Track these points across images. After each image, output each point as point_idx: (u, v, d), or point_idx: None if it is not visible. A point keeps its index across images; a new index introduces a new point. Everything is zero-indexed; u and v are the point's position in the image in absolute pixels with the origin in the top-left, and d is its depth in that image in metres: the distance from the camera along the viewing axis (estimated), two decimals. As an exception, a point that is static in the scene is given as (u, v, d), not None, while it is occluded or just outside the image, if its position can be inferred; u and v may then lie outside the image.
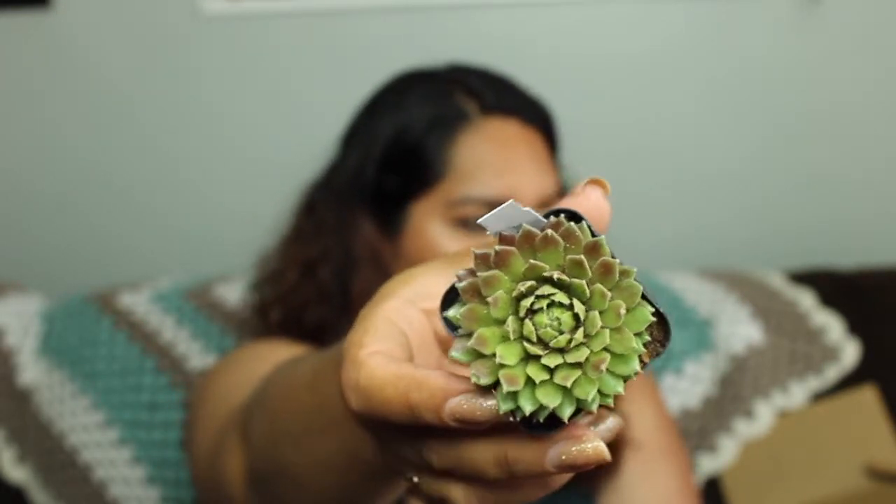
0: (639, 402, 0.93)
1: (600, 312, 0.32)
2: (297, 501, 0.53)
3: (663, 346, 0.34)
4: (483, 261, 0.33)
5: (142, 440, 1.09)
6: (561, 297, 0.33)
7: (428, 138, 0.87)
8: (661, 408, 0.96)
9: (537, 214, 0.34)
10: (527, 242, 0.33)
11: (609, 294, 0.32)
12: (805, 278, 1.20)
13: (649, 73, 1.32)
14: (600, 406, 0.32)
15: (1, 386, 1.13)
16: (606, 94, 1.34)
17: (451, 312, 0.34)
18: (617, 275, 0.33)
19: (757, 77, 1.33)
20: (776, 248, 1.39)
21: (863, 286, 1.20)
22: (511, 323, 0.33)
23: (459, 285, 0.34)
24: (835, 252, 1.37)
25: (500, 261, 0.33)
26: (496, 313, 0.33)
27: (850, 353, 1.14)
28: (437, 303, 0.36)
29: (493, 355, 0.32)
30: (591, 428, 0.34)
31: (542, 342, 0.32)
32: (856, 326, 1.16)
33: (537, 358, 0.32)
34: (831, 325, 1.16)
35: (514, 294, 0.33)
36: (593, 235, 0.33)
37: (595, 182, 0.36)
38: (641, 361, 0.33)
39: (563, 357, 0.32)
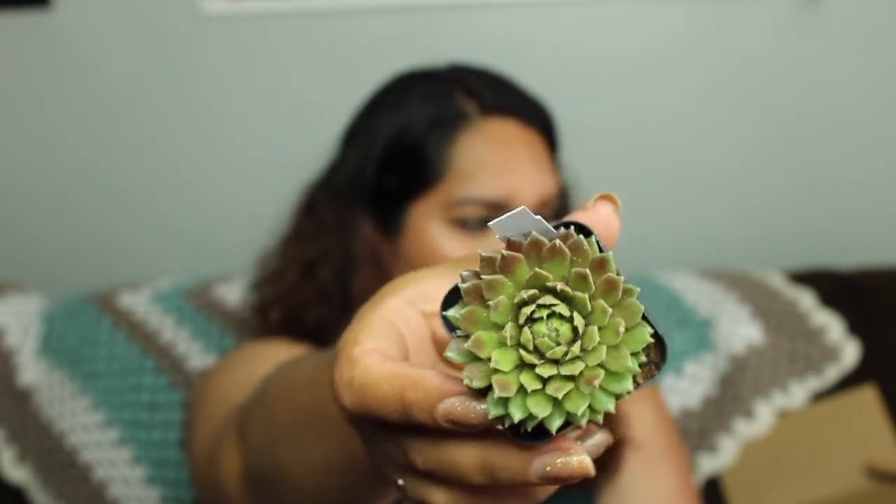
0: (639, 402, 0.93)
1: (599, 328, 0.32)
2: (294, 502, 0.53)
3: (658, 368, 0.34)
4: (489, 264, 0.33)
5: (142, 440, 1.09)
6: (562, 308, 0.33)
7: (427, 138, 0.87)
8: (661, 408, 0.96)
9: (548, 224, 0.34)
10: (534, 251, 0.33)
11: (610, 311, 0.32)
12: (805, 278, 1.20)
13: (649, 73, 1.32)
14: (589, 421, 0.32)
15: (1, 386, 1.13)
16: (606, 94, 1.33)
17: (451, 312, 0.34)
18: (620, 293, 0.33)
19: (757, 77, 1.33)
20: (776, 248, 1.39)
21: (863, 286, 1.20)
22: (509, 329, 0.33)
23: (462, 286, 0.34)
24: (835, 252, 1.37)
25: (505, 266, 0.33)
26: (496, 318, 0.33)
27: (850, 353, 1.14)
28: (437, 306, 0.36)
29: (489, 359, 0.32)
30: (579, 443, 0.34)
31: (538, 351, 0.32)
32: (856, 326, 1.16)
33: (532, 367, 0.32)
34: (831, 325, 1.16)
35: (516, 301, 0.33)
36: (601, 251, 0.33)
37: (606, 197, 0.36)
38: (635, 382, 0.33)
39: (558, 369, 0.32)
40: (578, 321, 0.32)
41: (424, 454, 0.34)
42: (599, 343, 0.32)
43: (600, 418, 0.32)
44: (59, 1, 1.29)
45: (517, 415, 0.32)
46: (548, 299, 0.33)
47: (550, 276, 0.33)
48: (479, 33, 1.30)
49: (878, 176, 1.38)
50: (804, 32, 1.31)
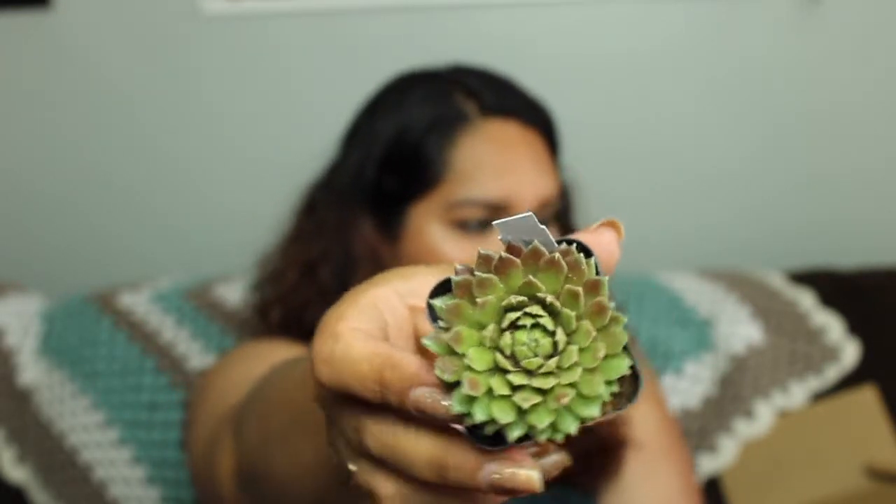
0: (640, 402, 0.93)
1: (580, 349, 0.32)
2: (284, 503, 0.53)
3: (629, 401, 0.34)
4: (485, 262, 0.33)
5: (142, 440, 1.09)
6: (547, 321, 0.33)
7: (427, 139, 0.86)
8: (662, 408, 0.96)
9: (551, 236, 0.34)
10: (532, 259, 0.33)
11: (594, 334, 0.32)
12: (805, 278, 1.20)
13: (649, 73, 1.32)
14: (548, 439, 0.32)
15: (1, 386, 1.13)
16: (606, 94, 1.33)
17: (438, 302, 0.34)
18: (608, 319, 0.33)
19: (757, 77, 1.33)
20: (776, 248, 1.39)
21: (863, 286, 1.20)
22: (491, 330, 0.33)
23: (455, 278, 0.34)
24: (835, 252, 1.37)
25: (501, 267, 0.33)
26: (480, 317, 0.33)
27: (850, 353, 1.14)
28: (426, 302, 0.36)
29: (464, 356, 0.32)
30: (534, 459, 0.34)
31: (514, 358, 0.32)
32: (856, 326, 1.16)
33: (505, 372, 0.32)
34: (831, 325, 1.16)
35: (504, 304, 0.33)
36: (598, 274, 0.34)
37: (611, 224, 0.36)
38: (603, 410, 0.33)
39: (530, 380, 0.32)
40: (560, 337, 0.32)
41: (380, 439, 0.34)
42: (576, 363, 0.32)
43: (560, 438, 0.32)
44: (59, 1, 1.29)
45: (479, 416, 0.32)
46: (535, 309, 0.33)
47: (543, 288, 0.33)
48: (479, 33, 1.30)
49: (878, 176, 1.38)
50: (804, 32, 1.31)
